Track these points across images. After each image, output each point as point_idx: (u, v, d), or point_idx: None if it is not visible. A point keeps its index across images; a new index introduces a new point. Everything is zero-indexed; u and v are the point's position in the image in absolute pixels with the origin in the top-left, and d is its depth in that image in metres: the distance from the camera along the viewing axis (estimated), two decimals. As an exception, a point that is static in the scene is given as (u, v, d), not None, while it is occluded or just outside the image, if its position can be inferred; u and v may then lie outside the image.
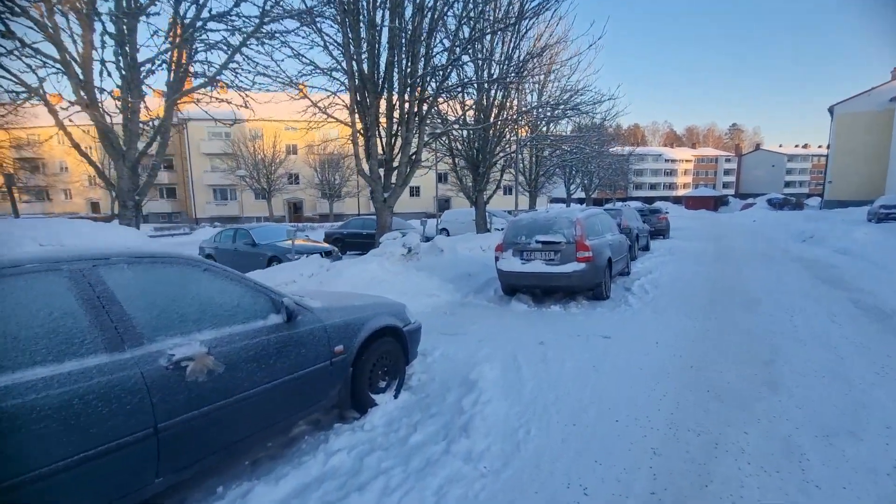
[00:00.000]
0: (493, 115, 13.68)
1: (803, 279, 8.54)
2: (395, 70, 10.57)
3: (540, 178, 20.39)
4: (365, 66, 10.39)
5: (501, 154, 16.19)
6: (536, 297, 7.51)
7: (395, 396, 3.66)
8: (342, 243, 16.96)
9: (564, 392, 3.70)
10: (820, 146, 77.83)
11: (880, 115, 35.09)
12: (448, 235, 18.68)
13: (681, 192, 75.27)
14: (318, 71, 10.91)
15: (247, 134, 39.78)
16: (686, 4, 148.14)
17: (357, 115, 10.97)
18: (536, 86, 17.79)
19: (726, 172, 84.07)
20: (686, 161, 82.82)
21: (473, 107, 14.59)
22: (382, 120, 11.26)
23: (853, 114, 37.13)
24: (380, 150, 11.43)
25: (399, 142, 11.16)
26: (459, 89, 11.61)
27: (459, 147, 15.42)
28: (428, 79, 10.41)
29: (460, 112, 14.67)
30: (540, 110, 15.35)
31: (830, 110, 39.04)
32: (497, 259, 7.27)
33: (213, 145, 44.19)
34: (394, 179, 11.24)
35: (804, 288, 7.66)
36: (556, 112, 16.90)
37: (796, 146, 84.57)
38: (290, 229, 10.61)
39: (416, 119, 10.70)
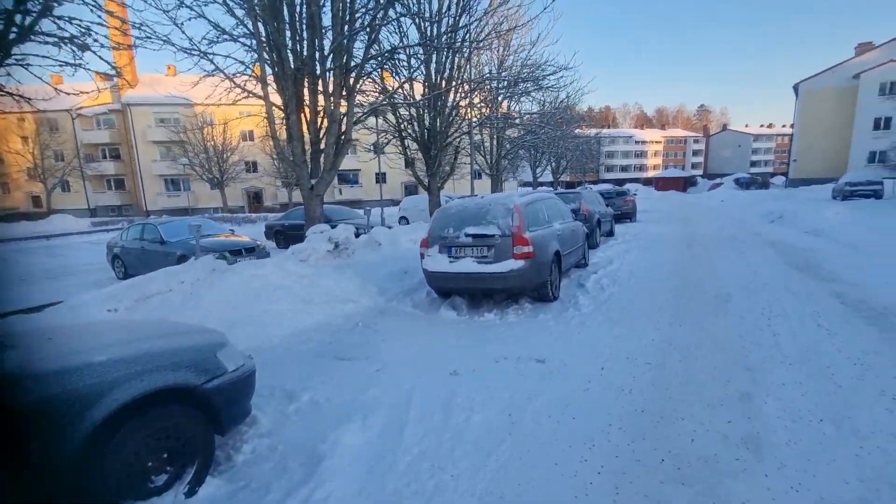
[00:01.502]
0: (441, 88, 12.24)
1: (777, 267, 7.58)
2: (312, 33, 8.99)
3: (502, 160, 19.11)
4: (278, 28, 8.78)
5: (456, 135, 14.80)
6: (475, 298, 6.27)
7: (189, 494, 2.34)
8: (283, 236, 15.37)
9: (453, 473, 2.45)
10: (784, 125, 79.22)
11: (844, 91, 35.16)
12: (408, 223, 17.33)
13: (651, 174, 75.50)
14: (227, 36, 9.22)
15: (199, 119, 36.97)
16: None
17: (276, 89, 9.42)
18: (494, 59, 16.43)
19: (695, 153, 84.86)
20: (656, 142, 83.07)
21: (423, 81, 13.12)
22: (306, 95, 9.71)
23: (817, 91, 37.16)
24: (305, 131, 9.91)
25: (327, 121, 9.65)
26: (397, 55, 10.07)
27: (408, 127, 13.94)
28: (348, 42, 8.87)
29: (408, 87, 13.19)
30: (495, 84, 13.99)
31: (795, 88, 39.03)
32: (422, 257, 5.97)
33: (159, 132, 41.05)
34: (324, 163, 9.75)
35: (780, 279, 6.66)
36: (518, 87, 15.60)
37: (761, 126, 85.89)
38: (194, 225, 9.03)
39: (343, 92, 9.19)
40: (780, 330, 4.47)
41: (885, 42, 34.95)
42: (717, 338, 4.35)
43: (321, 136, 9.84)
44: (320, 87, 9.45)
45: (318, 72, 9.35)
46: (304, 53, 9.29)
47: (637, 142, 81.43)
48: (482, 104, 16.27)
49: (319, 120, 9.89)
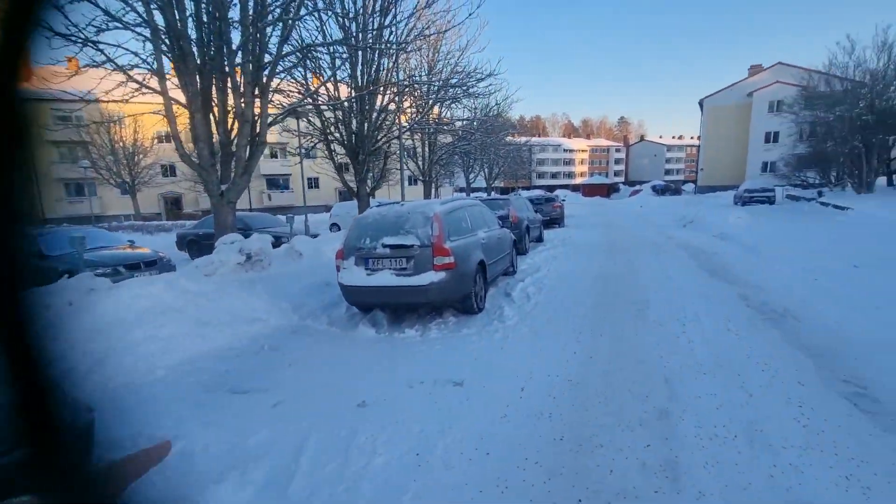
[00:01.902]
0: (367, 90, 11.75)
1: (690, 271, 7.95)
2: (219, 24, 8.17)
3: (434, 166, 18.92)
4: (178, 17, 7.87)
5: (385, 139, 14.36)
6: (397, 312, 5.86)
7: None
8: (197, 246, 13.99)
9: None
10: (692, 137, 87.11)
11: (741, 107, 39.17)
12: (340, 230, 16.55)
13: (578, 180, 79.62)
14: (118, 24, 8.11)
15: (104, 117, 33.13)
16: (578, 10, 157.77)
17: (179, 84, 8.44)
18: (424, 64, 16.21)
19: (617, 161, 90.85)
20: (582, 151, 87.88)
21: (349, 83, 12.55)
22: (214, 92, 8.80)
23: (719, 107, 41.11)
24: (214, 131, 8.99)
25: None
26: (315, 52, 9.45)
27: (335, 131, 13.28)
28: (260, 36, 8.17)
29: (332, 88, 12.56)
30: (425, 89, 13.75)
31: (700, 103, 42.93)
32: (338, 269, 5.48)
33: (59, 132, 36.43)
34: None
35: (693, 283, 6.95)
36: (448, 93, 15.48)
37: (673, 137, 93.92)
38: (76, 236, 7.81)
39: (255, 89, 8.43)
40: (694, 336, 4.52)
41: (771, 65, 39.51)
42: (636, 347, 4.30)
43: (232, 137, 8.98)
44: (230, 85, 8.62)
45: (226, 68, 8.51)
46: (211, 47, 8.43)
47: (565, 150, 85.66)
48: (412, 109, 15.99)
49: (230, 120, 9.02)
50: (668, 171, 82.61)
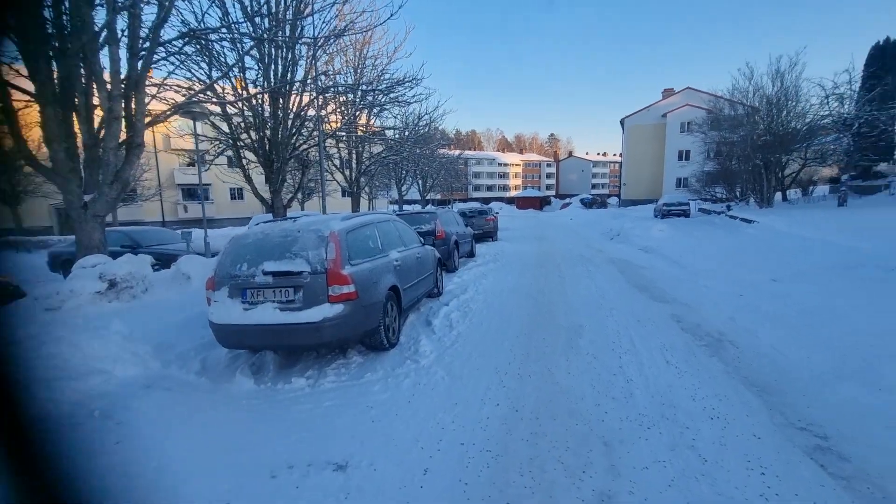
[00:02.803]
0: (279, 89, 10.53)
1: (622, 288, 7.61)
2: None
3: (362, 177, 17.85)
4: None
5: (305, 146, 13.12)
6: (291, 353, 4.78)
7: None
8: (72, 265, 11.80)
9: None
10: (615, 154, 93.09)
11: (657, 127, 42.03)
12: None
13: (513, 193, 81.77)
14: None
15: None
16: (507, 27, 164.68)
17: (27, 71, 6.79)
18: (351, 69, 15.21)
19: (548, 176, 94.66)
20: (516, 165, 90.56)
21: (262, 82, 11.22)
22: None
23: (638, 126, 43.86)
24: (77, 130, 7.38)
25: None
26: (203, 39, 8.12)
27: (245, 136, 11.86)
28: (132, 17, 6.79)
29: (240, 87, 11.19)
30: (346, 93, 12.77)
31: (622, 122, 45.59)
32: (209, 302, 4.32)
33: None
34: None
35: (624, 302, 6.54)
36: (375, 98, 14.60)
37: (598, 154, 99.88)
38: None
39: (123, 80, 6.99)
40: (631, 373, 3.93)
41: (682, 89, 42.92)
42: (569, 391, 3.61)
43: (101, 138, 7.41)
44: (94, 74, 7.10)
45: (87, 52, 6.99)
46: (66, 26, 6.89)
47: (500, 164, 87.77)
48: (336, 114, 14.89)
49: (99, 119, 7.45)
50: (594, 186, 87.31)
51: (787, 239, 12.11)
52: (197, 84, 9.92)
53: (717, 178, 27.00)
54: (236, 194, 41.17)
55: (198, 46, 8.47)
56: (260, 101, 10.74)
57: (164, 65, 7.95)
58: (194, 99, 8.08)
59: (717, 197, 27.61)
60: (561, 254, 12.63)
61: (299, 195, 33.86)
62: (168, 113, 7.64)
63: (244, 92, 10.80)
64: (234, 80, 10.68)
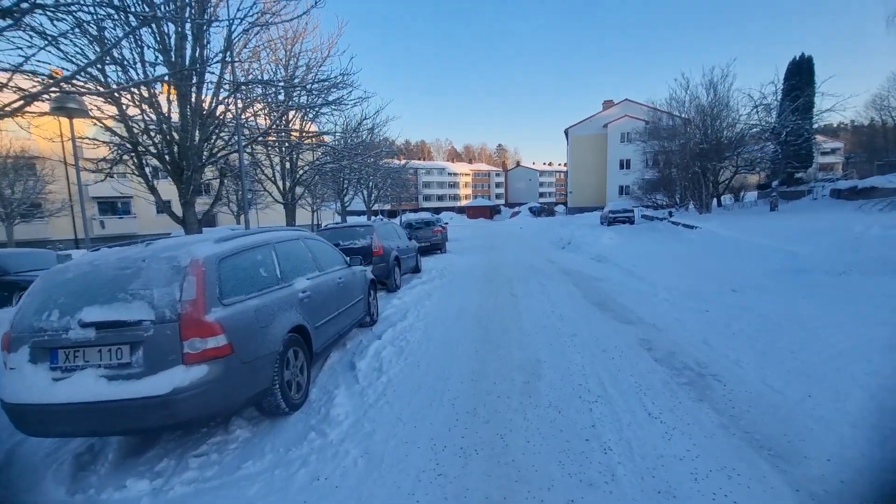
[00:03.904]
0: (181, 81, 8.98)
1: (579, 306, 6.81)
2: None
3: (297, 187, 16.29)
4: None
5: (224, 153, 11.51)
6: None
7: None
8: None
9: None
10: (560, 164, 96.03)
11: (599, 137, 43.20)
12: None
13: (463, 203, 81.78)
14: None
15: None
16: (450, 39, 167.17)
17: None
18: (280, 67, 13.77)
19: (497, 185, 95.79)
20: (465, 175, 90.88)
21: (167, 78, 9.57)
22: None
23: (581, 136, 44.92)
24: None
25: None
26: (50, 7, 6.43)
27: (146, 139, 10.11)
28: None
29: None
30: (270, 90, 11.37)
31: (566, 132, 46.55)
32: (4, 368, 2.92)
33: None
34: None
35: (585, 324, 5.70)
36: (303, 98, 13.26)
37: (544, 163, 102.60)
38: None
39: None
40: (608, 435, 2.98)
41: (620, 101, 44.53)
42: (530, 480, 2.58)
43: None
44: None
45: None
46: None
47: (450, 174, 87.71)
48: (265, 117, 13.36)
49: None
50: (542, 194, 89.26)
51: (730, 244, 12.01)
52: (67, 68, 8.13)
53: (657, 185, 27.76)
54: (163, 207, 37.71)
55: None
56: (154, 94, 9.11)
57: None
58: (62, 87, 6.36)
59: (657, 203, 28.38)
60: (512, 266, 11.83)
61: (233, 208, 31.27)
62: (18, 104, 5.93)
63: (153, 92, 9.11)
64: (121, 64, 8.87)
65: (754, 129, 21.39)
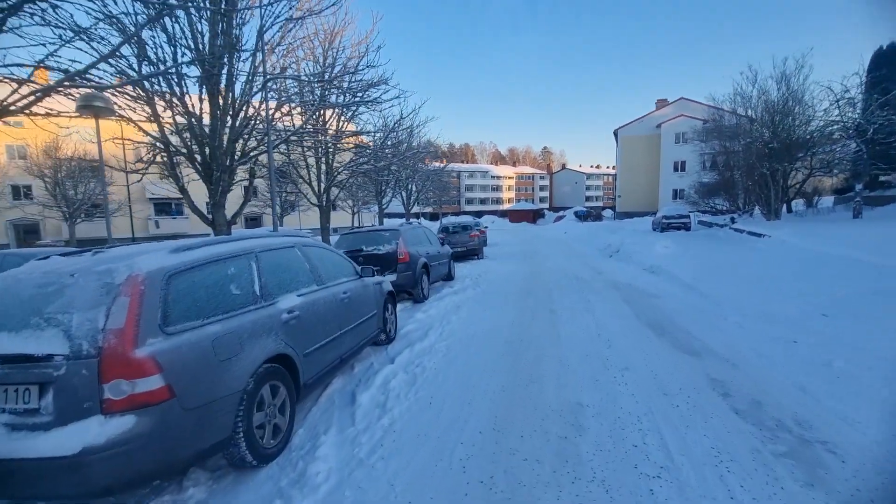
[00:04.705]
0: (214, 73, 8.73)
1: (631, 327, 5.77)
2: None
3: (333, 188, 16.00)
4: None
5: (255, 152, 11.29)
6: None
7: None
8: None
9: None
10: (608, 167, 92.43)
11: (651, 138, 40.75)
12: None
13: (506, 206, 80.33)
14: None
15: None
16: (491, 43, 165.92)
17: None
18: (317, 64, 13.51)
19: (541, 188, 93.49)
20: (509, 178, 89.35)
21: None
22: None
23: (632, 137, 42.60)
24: None
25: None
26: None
27: (177, 139, 10.01)
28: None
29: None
30: (304, 87, 11.03)
31: (615, 133, 44.34)
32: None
33: None
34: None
35: (640, 354, 4.68)
36: (339, 97, 12.90)
37: (591, 166, 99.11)
38: None
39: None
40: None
41: (675, 100, 41.81)
42: None
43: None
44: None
45: None
46: None
47: (493, 177, 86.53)
48: (300, 116, 13.10)
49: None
50: (588, 198, 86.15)
51: (809, 256, 10.37)
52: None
53: (716, 188, 25.47)
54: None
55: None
56: (183, 93, 8.91)
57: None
58: (62, 83, 6.10)
59: (716, 209, 26.06)
60: (553, 276, 10.80)
61: (277, 209, 31.87)
62: (30, 100, 5.72)
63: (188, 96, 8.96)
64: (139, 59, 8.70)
65: (834, 126, 18.95)
